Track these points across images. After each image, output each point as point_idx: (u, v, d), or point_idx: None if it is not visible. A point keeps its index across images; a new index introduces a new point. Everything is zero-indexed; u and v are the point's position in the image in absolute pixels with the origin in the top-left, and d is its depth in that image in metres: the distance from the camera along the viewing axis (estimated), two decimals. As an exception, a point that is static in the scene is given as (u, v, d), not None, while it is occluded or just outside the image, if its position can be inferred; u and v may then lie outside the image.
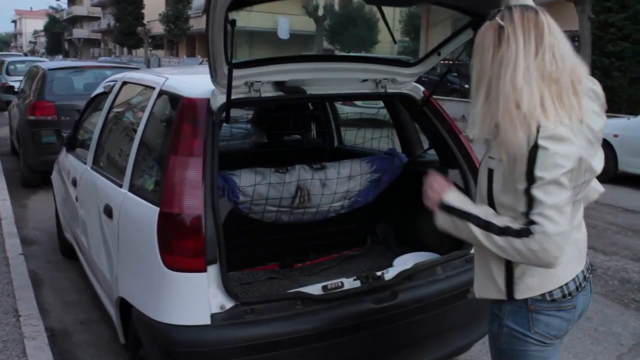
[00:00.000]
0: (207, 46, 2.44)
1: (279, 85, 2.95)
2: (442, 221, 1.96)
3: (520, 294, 1.93)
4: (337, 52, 34.56)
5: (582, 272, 2.00)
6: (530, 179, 1.72)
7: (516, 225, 1.76)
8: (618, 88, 14.57)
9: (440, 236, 2.65)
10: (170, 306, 2.51)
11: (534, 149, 1.71)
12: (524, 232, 1.73)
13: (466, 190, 3.22)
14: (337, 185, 3.55)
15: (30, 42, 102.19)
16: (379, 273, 2.87)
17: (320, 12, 30.39)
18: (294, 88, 2.99)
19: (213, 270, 2.51)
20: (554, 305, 1.92)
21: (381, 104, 4.03)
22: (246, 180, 3.30)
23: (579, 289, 1.97)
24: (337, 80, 3.19)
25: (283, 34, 34.84)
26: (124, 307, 2.97)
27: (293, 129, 4.52)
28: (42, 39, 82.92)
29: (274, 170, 3.41)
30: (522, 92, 1.76)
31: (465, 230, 1.88)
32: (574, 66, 1.85)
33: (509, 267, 1.93)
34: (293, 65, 2.97)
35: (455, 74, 21.31)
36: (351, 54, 28.38)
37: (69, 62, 13.02)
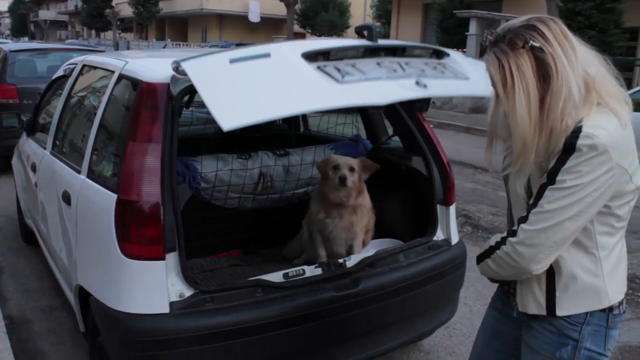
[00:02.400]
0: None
1: None
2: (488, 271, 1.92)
3: (580, 307, 1.81)
4: (308, 37, 34.38)
5: None
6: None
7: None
8: (584, 76, 14.74)
9: (403, 223, 2.67)
10: (127, 295, 2.48)
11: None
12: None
13: (429, 178, 3.23)
14: (300, 171, 3.53)
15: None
16: (340, 260, 2.86)
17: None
18: None
19: (172, 258, 2.47)
20: (619, 318, 1.86)
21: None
22: (208, 167, 3.26)
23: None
24: None
25: (254, 17, 34.61)
26: (83, 295, 2.92)
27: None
28: (7, 21, 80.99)
29: (237, 157, 3.37)
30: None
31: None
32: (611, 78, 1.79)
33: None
34: None
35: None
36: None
37: (32, 44, 12.69)
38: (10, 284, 4.72)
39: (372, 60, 2.37)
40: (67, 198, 3.12)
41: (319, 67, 2.21)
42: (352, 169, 3.14)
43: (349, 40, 2.44)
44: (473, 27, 17.22)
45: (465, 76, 2.51)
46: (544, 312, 1.83)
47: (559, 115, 1.66)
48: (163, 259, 2.45)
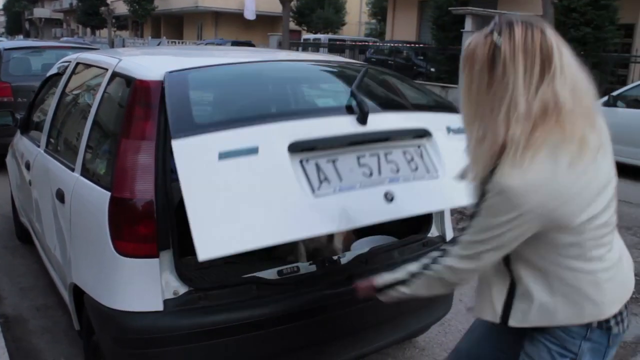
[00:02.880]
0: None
1: None
2: (388, 299, 2.13)
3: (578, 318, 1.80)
4: (304, 34, 34.35)
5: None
6: None
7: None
8: (580, 72, 14.76)
9: (398, 220, 2.67)
10: (121, 292, 2.47)
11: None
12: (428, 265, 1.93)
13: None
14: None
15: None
16: (335, 257, 2.87)
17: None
18: None
19: (166, 255, 2.47)
20: (621, 337, 1.85)
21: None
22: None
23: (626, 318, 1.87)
24: None
25: (249, 14, 34.56)
26: (78, 293, 2.92)
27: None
28: (2, 19, 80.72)
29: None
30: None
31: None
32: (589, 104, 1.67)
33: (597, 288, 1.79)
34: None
35: (422, 57, 21.39)
36: (310, 38, 28.17)
37: (26, 42, 12.68)
38: (5, 282, 4.71)
39: (353, 156, 2.59)
40: (60, 196, 3.12)
41: (301, 162, 2.45)
42: None
43: (339, 122, 2.62)
44: (469, 24, 17.21)
45: (436, 174, 2.73)
46: (497, 321, 1.86)
47: (502, 120, 1.60)
48: (157, 256, 2.45)
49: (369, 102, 2.65)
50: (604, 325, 1.79)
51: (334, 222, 2.44)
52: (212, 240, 2.14)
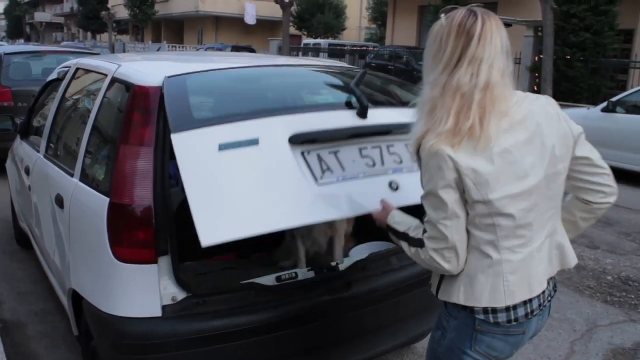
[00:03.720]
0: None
1: None
2: (394, 240, 2.10)
3: (445, 296, 1.95)
4: (305, 39, 34.40)
5: (539, 297, 1.94)
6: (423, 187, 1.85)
7: (417, 234, 1.93)
8: (580, 78, 14.81)
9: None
10: (120, 298, 2.47)
11: (419, 160, 1.84)
12: (419, 243, 1.90)
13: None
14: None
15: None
16: (333, 263, 2.87)
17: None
18: None
19: (165, 261, 2.47)
20: (501, 330, 1.90)
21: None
22: (201, 170, 3.25)
23: (530, 316, 1.92)
24: None
25: (250, 19, 34.62)
26: (77, 298, 2.92)
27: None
28: (3, 23, 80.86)
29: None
30: (436, 102, 1.79)
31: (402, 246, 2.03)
32: (493, 86, 1.77)
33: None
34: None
35: (422, 63, 21.37)
36: (311, 43, 28.20)
37: (27, 47, 12.71)
38: (4, 287, 4.71)
39: (355, 148, 2.59)
40: (60, 201, 3.12)
41: (302, 154, 2.44)
42: None
43: (339, 116, 2.63)
44: (468, 30, 17.24)
45: None
46: (434, 293, 2.01)
47: (430, 89, 1.84)
48: (155, 262, 2.45)
49: (368, 98, 2.67)
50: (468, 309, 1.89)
51: (338, 209, 2.43)
52: (214, 226, 2.13)
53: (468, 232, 1.84)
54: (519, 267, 1.85)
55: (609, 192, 1.98)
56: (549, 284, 1.99)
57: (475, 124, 1.75)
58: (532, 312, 1.92)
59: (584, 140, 1.95)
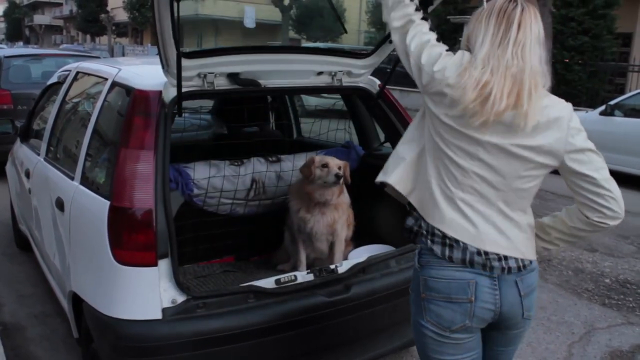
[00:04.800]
0: (155, 33, 2.41)
1: (233, 77, 2.93)
2: None
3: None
4: (304, 42, 34.44)
5: (487, 258, 1.93)
6: None
7: None
8: (578, 81, 14.85)
9: (395, 229, 2.69)
10: (120, 301, 2.49)
11: None
12: None
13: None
14: (292, 177, 3.56)
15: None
16: (332, 266, 2.88)
17: (286, 1, 30.25)
18: (248, 80, 2.98)
19: (164, 264, 2.49)
20: (441, 296, 1.94)
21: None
22: (200, 173, 3.28)
23: (472, 265, 1.92)
24: (292, 73, 3.18)
25: (249, 22, 34.64)
26: (77, 301, 2.93)
27: (252, 120, 4.51)
28: (2, 25, 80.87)
29: (229, 163, 3.39)
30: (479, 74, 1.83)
31: None
32: (534, 70, 1.85)
33: None
34: (247, 57, 2.96)
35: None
36: (307, 45, 28.30)
37: (26, 50, 12.73)
38: (3, 290, 4.72)
39: None
40: (60, 204, 3.13)
41: None
42: (340, 167, 3.28)
43: None
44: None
45: None
46: None
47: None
48: (155, 265, 2.47)
49: None
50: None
51: None
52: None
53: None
54: (466, 206, 1.92)
55: (609, 215, 1.97)
56: (506, 259, 1.95)
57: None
58: (471, 263, 1.92)
59: (592, 157, 1.95)
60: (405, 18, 2.03)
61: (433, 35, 2.01)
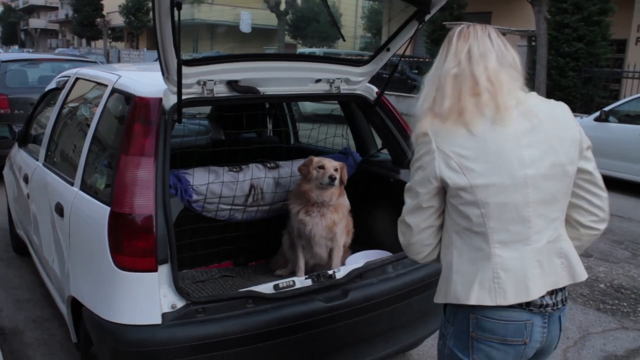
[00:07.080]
0: (155, 40, 2.43)
1: (232, 84, 2.96)
2: None
3: (441, 297, 1.92)
4: (299, 47, 34.50)
5: (542, 305, 1.86)
6: None
7: None
8: (572, 87, 14.94)
9: (392, 235, 2.72)
10: (120, 306, 2.51)
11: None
12: None
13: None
14: (290, 183, 3.58)
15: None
16: (330, 272, 2.91)
17: (282, 7, 30.32)
18: (247, 88, 3.01)
19: (164, 269, 2.51)
20: (496, 337, 1.83)
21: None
22: (199, 179, 3.30)
23: (529, 304, 1.82)
24: (291, 80, 3.21)
25: (245, 27, 34.66)
26: (76, 305, 2.95)
27: (250, 127, 4.53)
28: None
29: (228, 169, 3.42)
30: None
31: None
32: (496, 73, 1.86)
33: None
34: (246, 64, 2.98)
35: (416, 71, 21.48)
36: (305, 52, 28.35)
37: (23, 54, 12.74)
38: (1, 294, 4.72)
39: None
40: (59, 210, 3.15)
41: None
42: (336, 170, 3.31)
43: None
44: (462, 39, 17.34)
45: None
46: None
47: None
48: (155, 270, 2.49)
49: None
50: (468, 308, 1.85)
51: None
52: None
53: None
54: (511, 264, 1.80)
55: (602, 216, 1.96)
56: (556, 293, 1.89)
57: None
58: (528, 302, 1.82)
59: (591, 155, 1.93)
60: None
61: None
